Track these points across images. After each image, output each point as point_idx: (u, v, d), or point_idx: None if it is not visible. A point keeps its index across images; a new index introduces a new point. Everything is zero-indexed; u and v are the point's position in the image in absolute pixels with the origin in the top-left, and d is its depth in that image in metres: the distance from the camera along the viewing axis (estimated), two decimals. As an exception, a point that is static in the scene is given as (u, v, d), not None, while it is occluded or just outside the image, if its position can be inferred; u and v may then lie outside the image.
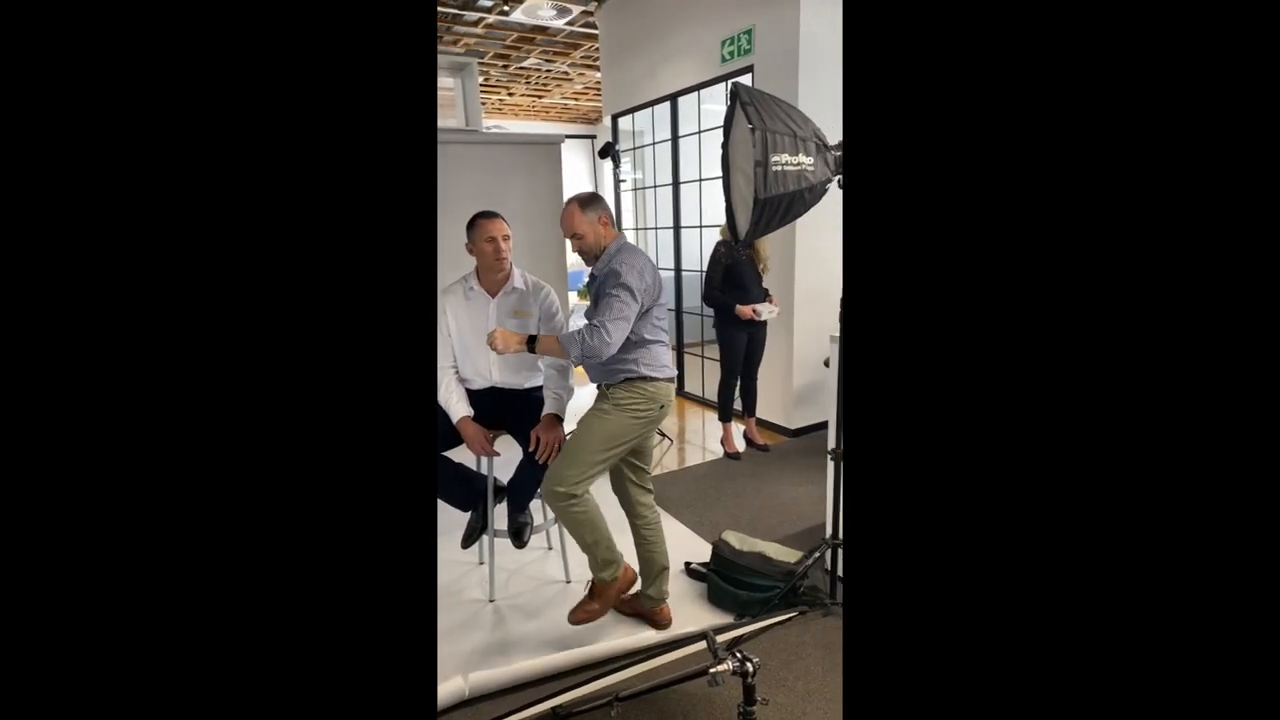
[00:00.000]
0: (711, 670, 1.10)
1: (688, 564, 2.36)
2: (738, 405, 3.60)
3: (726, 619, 2.08)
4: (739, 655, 1.15)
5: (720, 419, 3.59)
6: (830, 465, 2.08)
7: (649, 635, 1.98)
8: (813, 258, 3.62)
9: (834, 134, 1.85)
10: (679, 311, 4.78)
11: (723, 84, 3.97)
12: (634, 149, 5.22)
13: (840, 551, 2.10)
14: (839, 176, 1.83)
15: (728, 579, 2.12)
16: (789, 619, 2.02)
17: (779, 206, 1.68)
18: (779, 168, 1.64)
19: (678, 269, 4.65)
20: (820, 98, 3.45)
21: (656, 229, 5.10)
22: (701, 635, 1.19)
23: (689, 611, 2.12)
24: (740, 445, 3.62)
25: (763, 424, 3.92)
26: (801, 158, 1.67)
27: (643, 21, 4.57)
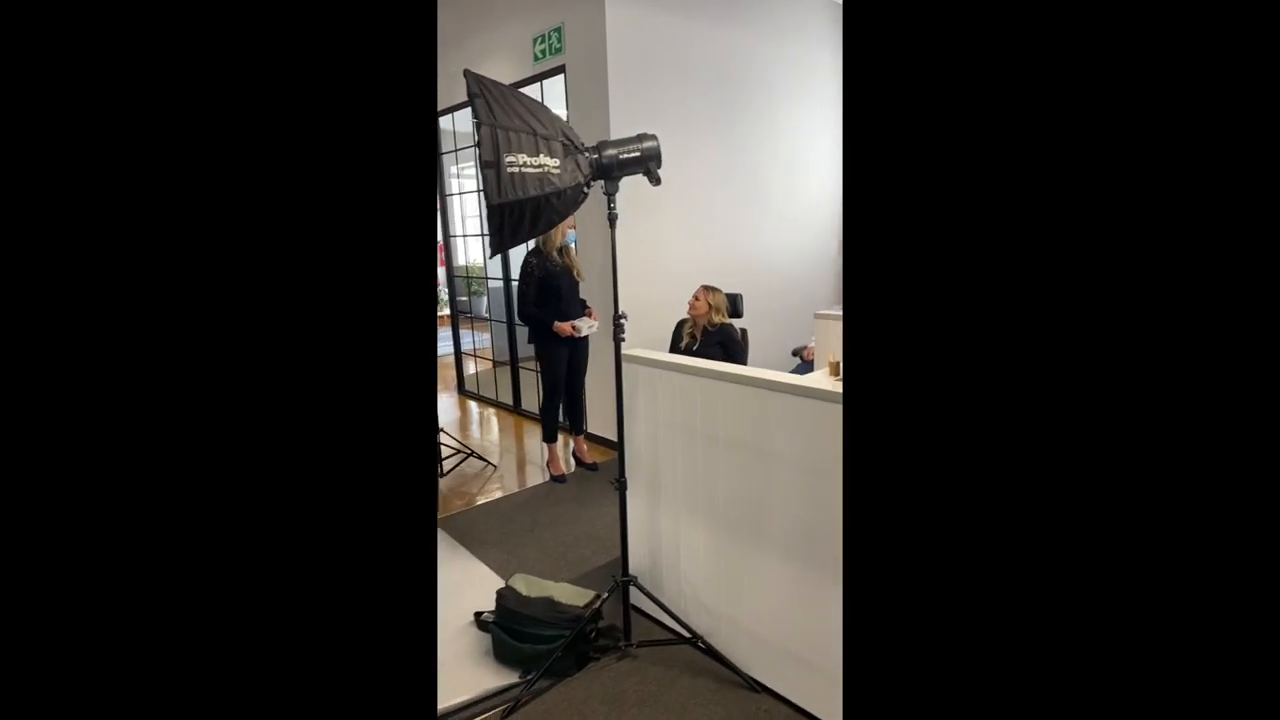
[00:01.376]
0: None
1: (478, 614, 2.10)
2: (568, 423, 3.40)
3: (512, 678, 1.84)
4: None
5: (544, 439, 3.36)
6: (618, 497, 1.91)
7: None
8: (637, 266, 3.49)
9: (636, 130, 1.68)
10: (510, 324, 4.51)
11: (538, 84, 3.76)
12: (456, 151, 4.88)
13: (632, 588, 1.94)
14: (601, 181, 1.66)
15: (510, 631, 1.89)
16: (547, 686, 1.78)
17: (522, 213, 1.47)
18: (515, 169, 1.43)
19: (506, 279, 4.38)
20: (634, 100, 3.33)
21: (483, 235, 4.79)
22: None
23: (469, 672, 1.86)
24: (567, 466, 3.41)
25: (593, 439, 3.75)
26: (544, 159, 1.47)
27: (457, 14, 4.26)
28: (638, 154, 1.63)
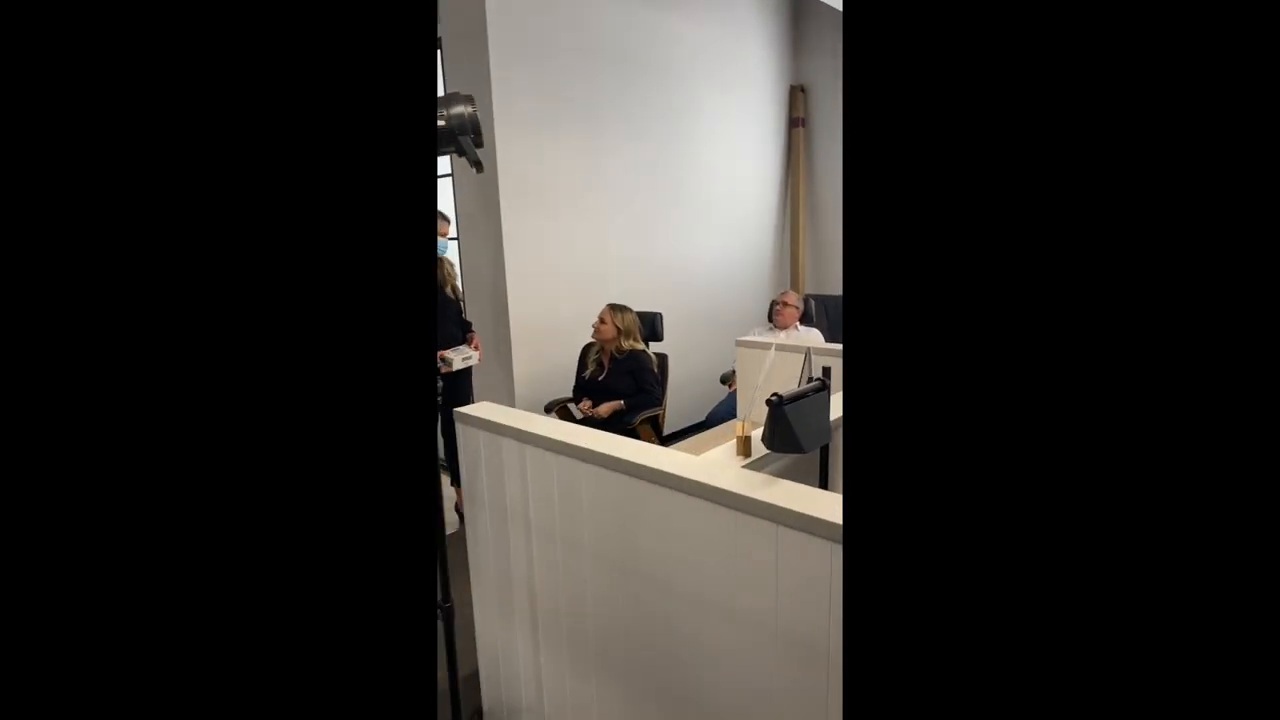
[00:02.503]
0: None
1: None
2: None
3: None
4: None
5: (416, 495, 2.74)
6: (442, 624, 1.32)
7: None
8: (534, 280, 2.93)
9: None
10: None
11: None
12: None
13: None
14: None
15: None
16: None
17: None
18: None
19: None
20: (525, 84, 2.78)
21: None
22: None
23: None
24: (448, 522, 2.80)
25: (487, 489, 3.15)
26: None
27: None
28: (441, 123, 1.06)
